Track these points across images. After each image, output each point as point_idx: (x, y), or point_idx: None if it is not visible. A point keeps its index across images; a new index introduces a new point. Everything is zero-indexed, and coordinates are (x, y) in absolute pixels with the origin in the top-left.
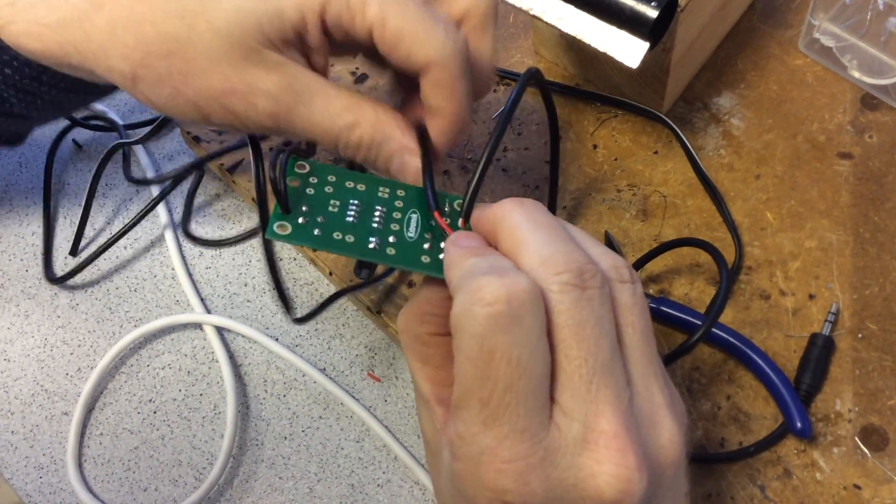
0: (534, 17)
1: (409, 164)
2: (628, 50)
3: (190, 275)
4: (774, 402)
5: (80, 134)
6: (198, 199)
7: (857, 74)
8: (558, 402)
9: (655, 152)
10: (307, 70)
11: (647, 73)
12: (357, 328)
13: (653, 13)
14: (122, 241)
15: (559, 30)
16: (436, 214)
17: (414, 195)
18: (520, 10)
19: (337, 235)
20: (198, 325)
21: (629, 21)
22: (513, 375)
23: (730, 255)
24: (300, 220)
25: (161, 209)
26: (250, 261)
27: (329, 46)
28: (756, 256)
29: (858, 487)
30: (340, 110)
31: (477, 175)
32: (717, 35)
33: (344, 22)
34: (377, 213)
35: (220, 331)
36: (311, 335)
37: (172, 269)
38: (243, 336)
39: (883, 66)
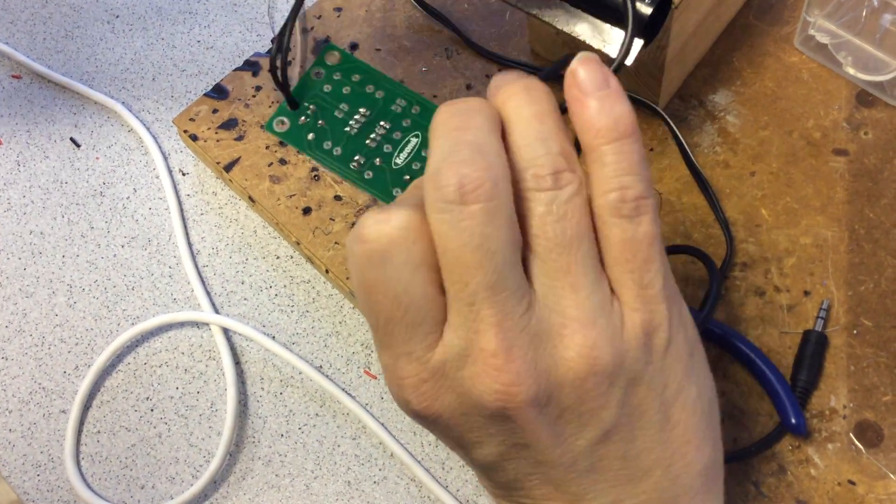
0: (529, 14)
1: None
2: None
3: (199, 272)
4: (769, 399)
5: (79, 132)
6: (192, 199)
7: (852, 71)
8: (448, 318)
9: (651, 150)
10: None
11: (643, 70)
12: (354, 326)
13: (646, 10)
14: (118, 240)
15: (555, 27)
16: None
17: (426, 116)
18: (515, 7)
19: (327, 145)
20: (195, 323)
21: (623, 18)
22: (391, 307)
23: (724, 253)
24: (301, 119)
25: (172, 204)
26: (247, 258)
27: None
28: (751, 253)
29: (853, 483)
30: None
31: None
32: (712, 32)
33: None
34: (378, 129)
35: (223, 330)
36: (308, 333)
37: (170, 268)
38: (240, 334)
39: (878, 62)
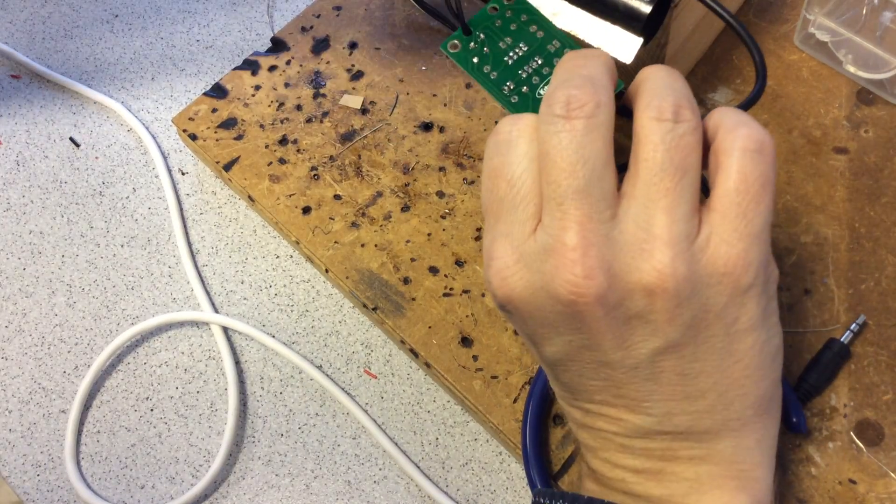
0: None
1: None
2: (622, 45)
3: (199, 272)
4: None
5: (79, 132)
6: (192, 198)
7: (852, 69)
8: (542, 216)
9: None
10: None
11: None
12: (354, 325)
13: (646, 8)
14: (118, 240)
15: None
16: None
17: None
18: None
19: (486, 69)
20: (194, 323)
21: (623, 16)
22: (505, 187)
23: None
24: (471, 44)
25: (171, 204)
26: (247, 258)
27: None
28: None
29: (854, 482)
30: None
31: None
32: (712, 30)
33: None
34: (532, 62)
35: (223, 329)
36: (308, 332)
37: (170, 268)
38: (241, 333)
39: (878, 60)
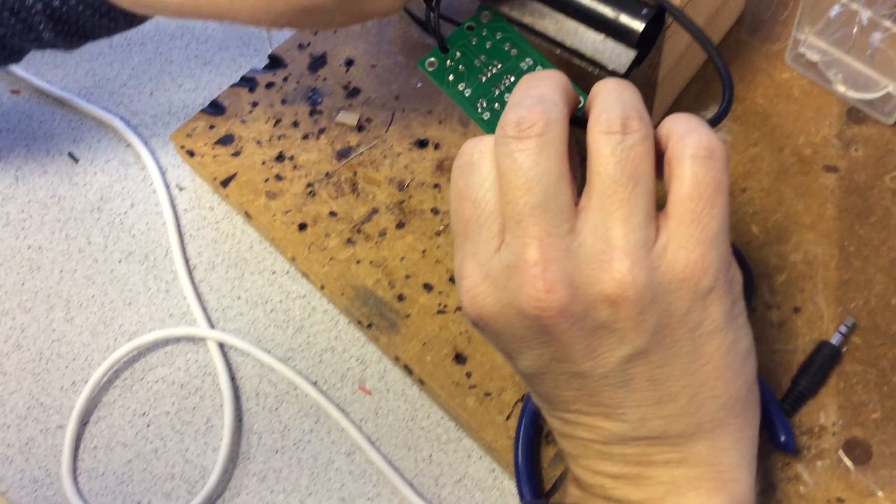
0: (523, 26)
1: None
2: (617, 58)
3: (195, 287)
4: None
5: (78, 147)
6: (189, 214)
7: (842, 89)
8: (504, 239)
9: None
10: None
11: (638, 85)
12: (349, 340)
13: (640, 24)
14: (115, 255)
15: (549, 43)
16: None
17: None
18: (511, 18)
19: (461, 87)
20: (191, 338)
21: (618, 31)
22: (470, 209)
23: None
24: (448, 62)
25: (169, 220)
26: (243, 273)
27: None
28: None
29: (842, 501)
30: None
31: None
32: None
33: None
34: (504, 80)
35: (219, 345)
36: (303, 348)
37: (167, 283)
38: (237, 349)
39: (868, 80)
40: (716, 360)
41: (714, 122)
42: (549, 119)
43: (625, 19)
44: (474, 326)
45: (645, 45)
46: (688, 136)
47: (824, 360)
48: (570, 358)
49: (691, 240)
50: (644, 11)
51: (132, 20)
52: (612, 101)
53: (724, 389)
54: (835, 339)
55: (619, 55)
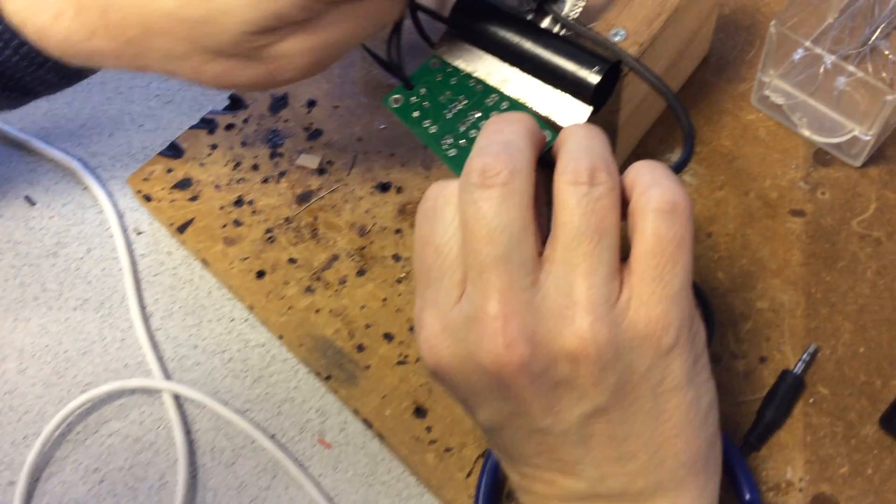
0: (477, 80)
1: None
2: (571, 114)
3: (151, 336)
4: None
5: (35, 190)
6: (147, 259)
7: (807, 133)
8: (465, 289)
9: None
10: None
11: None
12: (309, 391)
13: (595, 78)
14: (71, 303)
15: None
16: None
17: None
18: (464, 72)
19: (426, 123)
20: (146, 390)
21: (571, 86)
22: (432, 256)
23: None
24: (412, 99)
25: (125, 265)
26: (201, 321)
27: None
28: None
29: None
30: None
31: None
32: None
33: None
34: (470, 116)
35: (175, 397)
36: (262, 399)
37: (122, 332)
38: (193, 401)
39: (834, 123)
40: (677, 417)
41: (675, 171)
42: (515, 167)
43: (579, 72)
44: (432, 377)
45: (601, 97)
46: (651, 188)
47: (787, 390)
48: (529, 413)
49: (653, 297)
50: (597, 67)
51: (73, 73)
52: (580, 149)
53: (686, 447)
54: (797, 368)
55: (574, 111)
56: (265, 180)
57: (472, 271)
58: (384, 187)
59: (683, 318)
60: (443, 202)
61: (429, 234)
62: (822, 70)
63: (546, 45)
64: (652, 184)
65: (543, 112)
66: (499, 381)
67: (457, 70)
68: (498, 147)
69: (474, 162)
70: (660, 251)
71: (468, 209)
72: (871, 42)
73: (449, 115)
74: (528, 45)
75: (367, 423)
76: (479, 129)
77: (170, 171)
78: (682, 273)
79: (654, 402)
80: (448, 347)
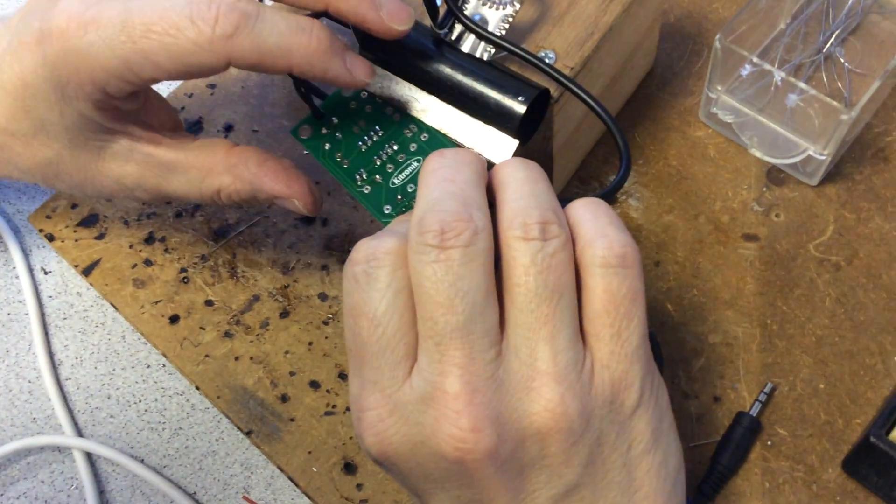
0: (395, 108)
1: (288, 206)
2: (497, 148)
3: (61, 387)
4: None
5: None
6: (55, 302)
7: (758, 154)
8: (417, 358)
9: None
10: (148, 145)
11: (533, 158)
12: (232, 443)
13: (520, 108)
14: None
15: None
16: None
17: (433, 145)
18: (379, 100)
19: (338, 156)
20: (56, 447)
21: (496, 117)
22: (368, 328)
23: None
24: (323, 130)
25: (32, 309)
26: (114, 369)
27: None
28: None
29: None
30: (199, 181)
31: None
32: (610, 108)
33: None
34: (386, 148)
35: (87, 455)
36: (181, 454)
37: (30, 383)
38: (106, 458)
39: (787, 142)
40: (647, 484)
41: (610, 193)
42: (477, 227)
43: (504, 101)
44: (377, 464)
45: (530, 127)
46: (597, 241)
47: (744, 434)
48: (493, 502)
49: (613, 357)
50: (521, 97)
51: None
52: (524, 197)
53: None
54: (753, 410)
55: (500, 145)
56: (178, 215)
57: (428, 341)
58: (308, 220)
59: (645, 375)
60: (375, 265)
61: (362, 304)
62: (772, 85)
63: (466, 72)
64: (596, 235)
65: (467, 145)
66: (460, 469)
67: (372, 98)
68: (455, 203)
69: (428, 219)
70: (613, 309)
71: (423, 271)
72: (825, 49)
73: (364, 148)
74: (447, 72)
75: (293, 482)
76: (395, 163)
77: (74, 206)
78: (639, 327)
79: (625, 471)
80: (398, 433)
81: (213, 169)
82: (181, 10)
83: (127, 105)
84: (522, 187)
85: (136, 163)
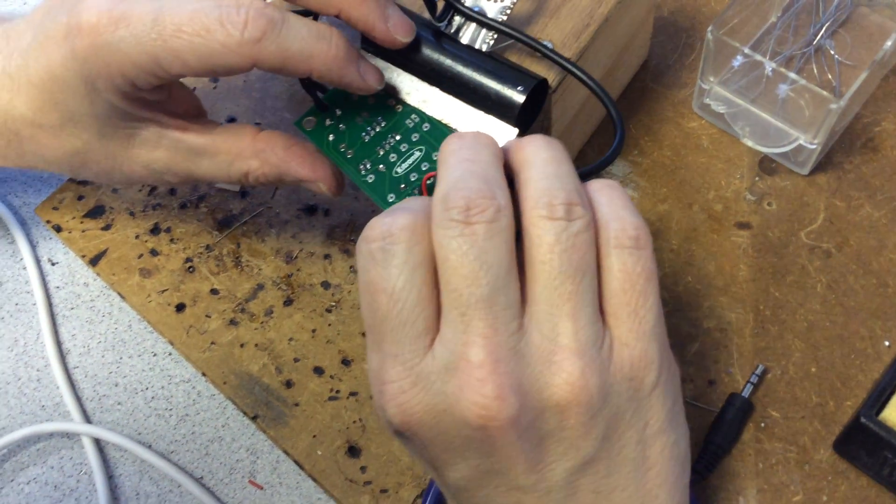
0: (396, 99)
1: (312, 188)
2: (497, 136)
3: (69, 375)
4: None
5: None
6: (62, 292)
7: (750, 143)
8: (440, 330)
9: None
10: (176, 131)
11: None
12: (238, 429)
13: (519, 98)
14: None
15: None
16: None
17: (434, 134)
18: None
19: (342, 147)
20: (64, 434)
21: (496, 106)
22: (387, 303)
23: None
24: (327, 121)
25: (40, 299)
26: (121, 357)
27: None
28: None
29: None
30: (227, 164)
31: None
32: None
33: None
34: (389, 139)
35: (95, 441)
36: (188, 439)
37: (38, 371)
38: (114, 444)
39: (778, 132)
40: (660, 464)
41: (603, 165)
42: (500, 205)
43: (504, 91)
44: (397, 436)
45: (529, 116)
46: (611, 223)
47: (736, 415)
48: (511, 471)
49: (632, 335)
50: (520, 87)
51: None
52: (550, 178)
53: (668, 497)
54: (745, 391)
55: (499, 133)
56: (183, 205)
57: (452, 312)
58: (311, 210)
59: (661, 354)
60: (392, 241)
61: (379, 280)
62: (763, 77)
63: (466, 63)
64: (611, 217)
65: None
66: (482, 437)
67: None
68: (478, 182)
69: (453, 195)
70: (630, 287)
71: (448, 245)
72: (816, 42)
73: (367, 139)
74: (448, 63)
75: (298, 465)
76: (398, 152)
77: (81, 198)
78: (654, 307)
79: (639, 448)
80: (420, 402)
81: (240, 153)
82: (211, 13)
83: (154, 96)
84: (547, 167)
85: (166, 148)
